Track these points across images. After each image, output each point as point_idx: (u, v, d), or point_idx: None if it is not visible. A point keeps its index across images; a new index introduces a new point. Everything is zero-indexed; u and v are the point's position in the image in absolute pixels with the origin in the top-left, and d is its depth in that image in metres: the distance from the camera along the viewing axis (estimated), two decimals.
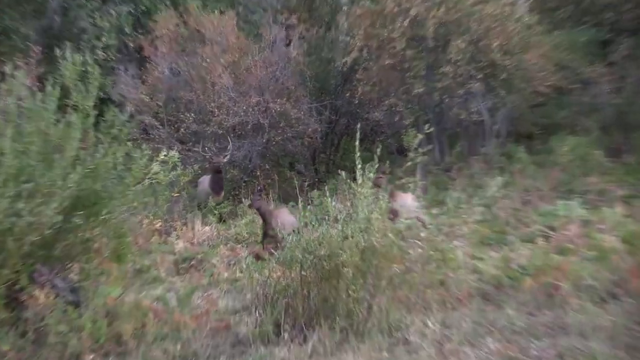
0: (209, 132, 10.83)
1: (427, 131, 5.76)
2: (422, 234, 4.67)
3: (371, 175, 4.48)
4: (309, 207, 6.35)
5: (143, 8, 13.45)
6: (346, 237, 4.38)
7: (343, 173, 4.74)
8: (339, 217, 4.57)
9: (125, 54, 13.49)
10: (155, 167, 4.91)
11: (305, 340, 4.21)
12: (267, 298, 4.60)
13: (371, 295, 4.34)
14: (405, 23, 10.23)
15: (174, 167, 5.12)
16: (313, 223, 4.67)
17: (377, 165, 4.52)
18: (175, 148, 7.54)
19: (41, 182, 4.12)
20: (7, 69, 4.52)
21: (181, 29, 12.09)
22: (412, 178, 5.24)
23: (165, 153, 5.03)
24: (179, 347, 4.27)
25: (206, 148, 10.09)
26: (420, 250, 4.59)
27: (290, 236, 4.64)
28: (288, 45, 12.50)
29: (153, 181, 4.92)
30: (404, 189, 5.51)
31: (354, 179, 4.52)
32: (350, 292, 4.29)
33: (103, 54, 12.49)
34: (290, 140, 11.77)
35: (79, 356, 4.01)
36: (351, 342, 4.12)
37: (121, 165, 4.66)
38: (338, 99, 12.68)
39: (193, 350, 4.26)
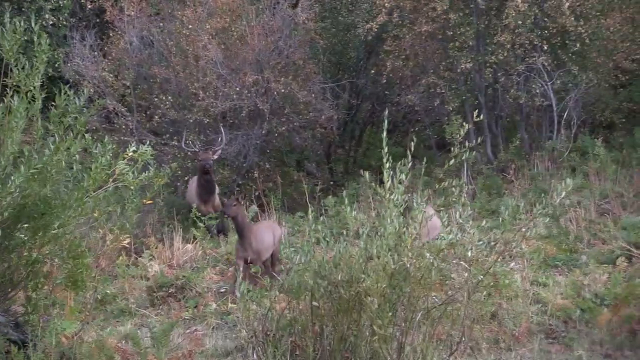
0: (191, 120, 10.84)
1: (477, 120, 5.77)
2: (469, 253, 4.68)
3: (403, 177, 4.46)
4: (321, 218, 6.37)
5: None
6: (370, 258, 4.40)
7: (366, 174, 4.75)
8: (360, 231, 4.57)
9: (81, 17, 13.54)
10: (122, 166, 4.94)
11: None
12: (267, 336, 4.64)
13: (402, 333, 4.35)
14: None
15: (146, 167, 5.15)
16: (327, 239, 4.68)
17: (410, 164, 4.52)
18: (148, 141, 7.58)
19: None
20: None
21: None
22: (457, 180, 5.25)
23: (134, 148, 5.06)
24: None
25: (188, 141, 10.13)
26: (466, 274, 4.60)
27: (298, 257, 4.65)
28: (295, 6, 12.42)
29: (119, 185, 4.95)
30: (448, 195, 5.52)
31: (381, 182, 4.52)
32: (375, 328, 4.27)
33: (53, 18, 12.57)
34: (297, 131, 11.81)
35: None
36: None
37: (77, 164, 4.70)
38: (360, 78, 12.70)
39: None
